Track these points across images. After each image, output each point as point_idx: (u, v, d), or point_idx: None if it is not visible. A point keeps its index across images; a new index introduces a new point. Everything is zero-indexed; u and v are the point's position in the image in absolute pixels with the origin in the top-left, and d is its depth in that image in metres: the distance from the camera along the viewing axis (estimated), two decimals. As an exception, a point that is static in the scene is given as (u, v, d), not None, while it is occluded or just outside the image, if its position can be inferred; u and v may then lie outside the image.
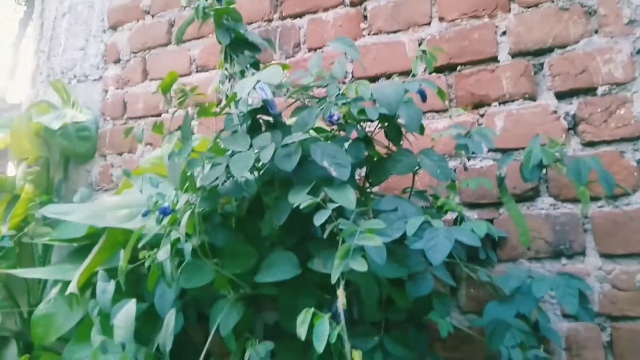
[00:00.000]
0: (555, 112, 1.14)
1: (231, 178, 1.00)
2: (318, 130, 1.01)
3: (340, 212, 0.79)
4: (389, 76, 1.34)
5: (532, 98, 1.17)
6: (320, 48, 1.45)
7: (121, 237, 1.22)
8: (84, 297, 1.28)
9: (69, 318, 1.34)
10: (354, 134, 0.96)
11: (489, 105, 1.22)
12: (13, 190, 1.64)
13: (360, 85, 0.94)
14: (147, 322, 1.13)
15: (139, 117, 1.73)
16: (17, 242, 1.52)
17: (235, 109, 0.98)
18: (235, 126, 0.98)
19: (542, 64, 1.18)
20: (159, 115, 1.69)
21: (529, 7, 1.21)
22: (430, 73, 1.28)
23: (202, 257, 0.96)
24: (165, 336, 0.95)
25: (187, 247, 0.90)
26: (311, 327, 0.69)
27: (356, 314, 1.02)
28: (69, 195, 1.75)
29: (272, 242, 1.02)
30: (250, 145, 0.89)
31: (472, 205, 1.18)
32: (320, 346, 0.66)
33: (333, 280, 0.72)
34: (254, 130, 0.99)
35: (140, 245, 0.97)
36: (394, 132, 0.98)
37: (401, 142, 1.00)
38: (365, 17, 1.41)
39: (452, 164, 1.21)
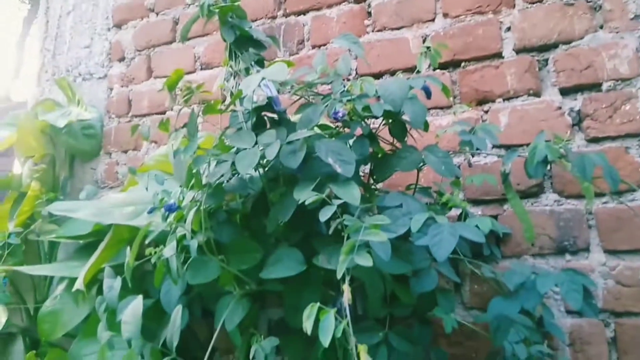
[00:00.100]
0: (559, 108, 1.14)
1: (236, 175, 1.00)
2: (323, 127, 1.01)
3: (344, 208, 0.79)
4: (393, 73, 1.34)
5: (537, 94, 1.17)
6: (324, 45, 1.45)
7: (127, 234, 1.23)
8: (90, 293, 1.29)
9: (75, 314, 1.35)
10: (358, 131, 0.96)
11: (493, 101, 1.22)
12: (19, 188, 1.65)
13: (365, 82, 0.94)
14: (153, 318, 1.14)
15: (144, 115, 1.74)
16: (24, 239, 1.53)
17: (240, 106, 0.99)
18: (240, 123, 0.99)
19: (546, 60, 1.18)
20: (163, 112, 1.70)
21: (533, 3, 1.21)
22: (434, 69, 1.29)
23: (207, 254, 0.96)
24: (172, 332, 0.96)
25: (193, 244, 0.91)
26: (317, 322, 0.70)
27: (360, 310, 1.02)
28: (75, 192, 1.76)
29: (277, 239, 1.03)
30: (256, 143, 0.90)
31: (476, 202, 1.18)
32: (326, 341, 0.67)
33: (339, 276, 0.72)
34: (258, 127, 0.99)
35: (147, 242, 0.98)
36: (399, 128, 0.99)
37: (405, 139, 1.00)
38: (369, 14, 1.41)
39: (456, 160, 1.21)
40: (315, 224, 0.89)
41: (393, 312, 0.97)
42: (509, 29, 1.23)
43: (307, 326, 0.68)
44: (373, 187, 1.06)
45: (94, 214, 1.23)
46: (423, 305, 0.97)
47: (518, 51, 1.21)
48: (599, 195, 1.06)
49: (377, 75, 1.36)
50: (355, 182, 0.85)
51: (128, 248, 1.01)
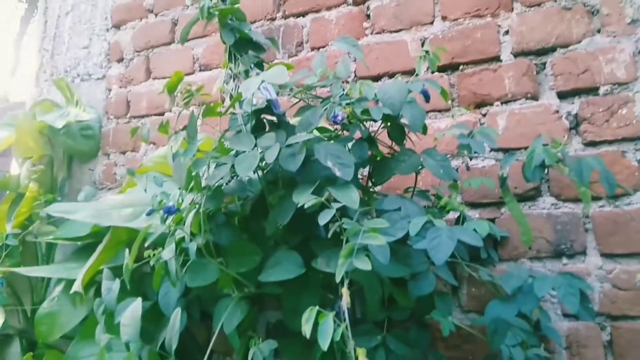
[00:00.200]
0: (557, 111, 1.15)
1: (235, 177, 1.00)
2: (322, 130, 1.02)
3: (343, 211, 0.79)
4: (391, 75, 1.34)
5: (534, 98, 1.18)
6: (323, 47, 1.46)
7: (125, 236, 1.23)
8: (87, 295, 1.29)
9: (72, 316, 1.35)
10: (357, 134, 0.97)
11: (491, 104, 1.22)
12: (17, 189, 1.65)
13: (364, 86, 0.94)
14: (151, 320, 1.13)
15: (142, 116, 1.74)
16: (21, 241, 1.53)
17: (239, 109, 0.99)
18: (239, 126, 0.99)
19: (544, 64, 1.19)
20: (162, 114, 1.70)
21: (531, 7, 1.22)
22: (432, 72, 1.29)
23: (206, 256, 0.96)
24: (171, 335, 0.96)
25: (192, 247, 0.91)
26: (315, 325, 0.70)
27: (359, 313, 1.02)
28: (73, 193, 1.76)
29: (276, 241, 1.03)
30: (255, 145, 0.90)
31: (474, 205, 1.19)
32: (325, 344, 0.67)
33: (337, 279, 0.72)
34: (258, 130, 0.99)
35: (146, 244, 0.98)
36: (397, 132, 0.99)
37: (404, 142, 1.00)
38: (368, 16, 1.42)
39: (454, 163, 1.22)
40: (314, 227, 0.89)
41: (391, 315, 0.97)
42: (507, 32, 1.23)
43: (306, 330, 0.69)
44: (371, 190, 1.06)
45: (92, 216, 1.23)
46: (421, 309, 0.97)
47: (516, 55, 1.22)
48: (595, 199, 1.06)
49: (376, 78, 1.36)
50: (354, 186, 0.85)
51: (126, 250, 1.01)
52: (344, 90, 0.96)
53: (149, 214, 1.02)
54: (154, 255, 0.93)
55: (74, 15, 1.99)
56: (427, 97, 0.99)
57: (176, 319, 0.98)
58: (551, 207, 1.12)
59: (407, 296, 0.93)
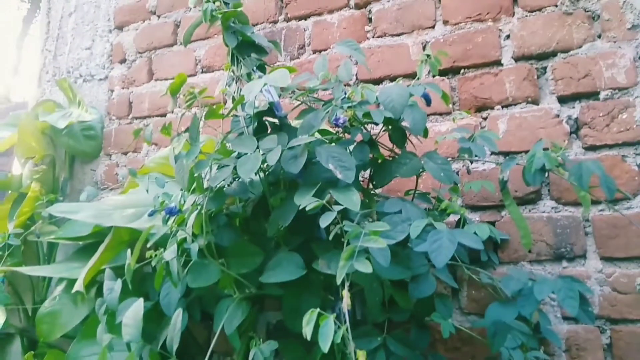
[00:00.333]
0: (557, 116, 1.16)
1: (237, 179, 1.01)
2: (323, 132, 1.02)
3: (344, 213, 0.80)
4: (393, 79, 1.35)
5: (535, 102, 1.18)
6: (324, 50, 1.46)
7: (127, 237, 1.23)
8: (89, 295, 1.30)
9: (73, 315, 1.35)
10: (358, 137, 0.97)
11: (492, 108, 1.23)
12: (19, 189, 1.65)
13: (366, 89, 0.95)
14: (152, 320, 1.14)
15: (145, 117, 1.75)
16: (23, 240, 1.53)
17: (242, 111, 1.00)
18: (241, 128, 0.99)
19: (545, 68, 1.19)
20: (164, 115, 1.70)
21: (532, 11, 1.23)
22: (434, 76, 1.30)
23: (208, 257, 0.97)
24: (173, 335, 0.96)
25: (194, 247, 0.91)
26: (316, 327, 0.70)
27: (359, 315, 1.03)
28: (74, 193, 1.77)
29: (277, 243, 1.04)
30: (257, 147, 0.90)
31: (474, 208, 1.19)
32: (325, 346, 0.67)
33: (338, 281, 0.73)
34: (260, 132, 1.00)
35: (148, 245, 0.98)
36: (399, 135, 1.00)
37: (405, 145, 1.01)
38: (369, 20, 1.42)
39: (455, 166, 1.22)
40: (315, 229, 0.90)
41: (391, 317, 0.97)
42: (508, 36, 1.24)
43: (307, 331, 0.69)
44: (372, 192, 1.06)
45: (94, 216, 1.23)
46: (421, 311, 0.98)
47: (517, 59, 1.22)
48: (595, 203, 1.07)
49: (377, 81, 1.37)
50: (355, 188, 0.86)
51: (128, 250, 1.01)
52: (345, 93, 0.97)
53: (150, 214, 1.03)
54: (155, 255, 0.94)
55: (77, 16, 2.00)
56: (428, 100, 1.00)
57: (177, 319, 0.99)
58: (551, 211, 1.12)
59: (408, 298, 0.93)
